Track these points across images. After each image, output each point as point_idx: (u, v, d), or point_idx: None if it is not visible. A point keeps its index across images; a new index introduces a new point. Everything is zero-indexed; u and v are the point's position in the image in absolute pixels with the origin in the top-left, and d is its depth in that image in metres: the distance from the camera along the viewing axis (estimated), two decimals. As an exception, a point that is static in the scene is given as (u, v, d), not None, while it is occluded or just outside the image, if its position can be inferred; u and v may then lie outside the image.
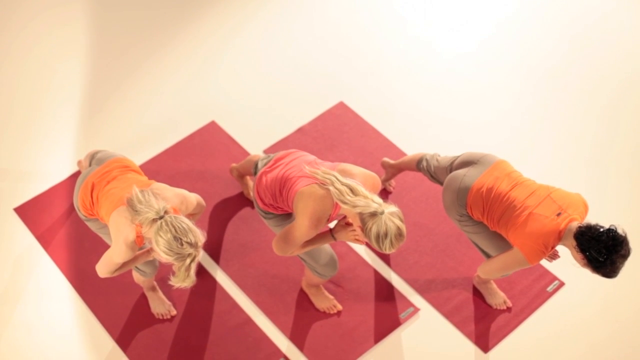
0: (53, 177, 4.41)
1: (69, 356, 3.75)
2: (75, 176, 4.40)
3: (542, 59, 5.09)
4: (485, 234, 3.56)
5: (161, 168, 4.44)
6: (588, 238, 3.09)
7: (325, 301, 3.88)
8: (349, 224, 3.25)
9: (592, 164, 4.53)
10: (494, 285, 3.90)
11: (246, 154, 4.51)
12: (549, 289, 3.98)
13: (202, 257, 4.04)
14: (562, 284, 4.00)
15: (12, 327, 3.84)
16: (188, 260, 2.93)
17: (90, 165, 3.62)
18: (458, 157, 3.67)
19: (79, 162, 4.32)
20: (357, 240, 3.24)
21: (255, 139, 4.60)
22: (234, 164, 4.30)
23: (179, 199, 3.21)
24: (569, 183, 4.38)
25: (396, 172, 4.21)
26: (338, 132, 4.64)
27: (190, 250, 2.92)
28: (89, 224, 3.48)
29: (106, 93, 4.84)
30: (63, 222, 4.19)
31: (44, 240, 4.13)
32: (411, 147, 4.57)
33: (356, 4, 5.41)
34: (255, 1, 5.39)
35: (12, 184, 4.39)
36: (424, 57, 5.11)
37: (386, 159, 4.26)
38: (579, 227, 3.15)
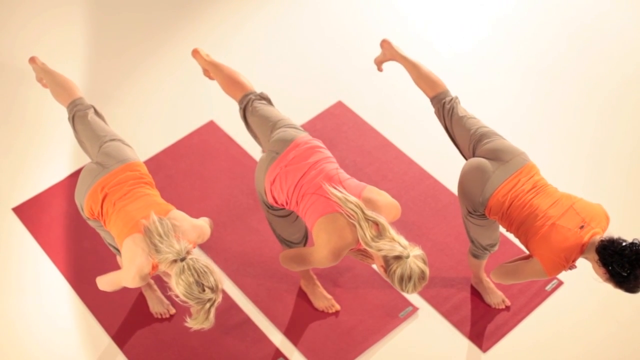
0: (51, 176, 4.41)
1: (67, 355, 3.75)
2: (73, 176, 4.39)
3: (540, 58, 5.09)
4: (486, 227, 3.49)
5: (160, 168, 4.44)
6: (611, 252, 2.98)
7: (324, 300, 3.88)
8: (363, 252, 3.22)
9: (591, 163, 4.53)
10: (492, 285, 3.89)
11: (245, 153, 4.50)
12: (548, 287, 3.97)
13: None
14: (561, 283, 3.99)
15: (10, 326, 3.85)
16: (208, 305, 2.85)
17: (89, 146, 3.42)
18: (488, 136, 3.42)
19: (33, 59, 3.71)
20: (365, 261, 3.26)
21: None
22: (210, 75, 3.87)
23: (196, 233, 3.13)
24: (568, 182, 4.38)
25: (388, 60, 3.91)
26: (336, 131, 4.64)
27: (212, 295, 2.84)
28: (89, 222, 3.39)
29: (105, 93, 4.85)
30: (61, 222, 4.19)
31: (43, 240, 4.13)
32: (410, 145, 4.57)
33: (356, 4, 5.41)
34: (253, 2, 5.39)
35: (10, 183, 4.39)
36: (423, 56, 5.08)
37: (390, 44, 3.85)
38: (601, 240, 3.04)
